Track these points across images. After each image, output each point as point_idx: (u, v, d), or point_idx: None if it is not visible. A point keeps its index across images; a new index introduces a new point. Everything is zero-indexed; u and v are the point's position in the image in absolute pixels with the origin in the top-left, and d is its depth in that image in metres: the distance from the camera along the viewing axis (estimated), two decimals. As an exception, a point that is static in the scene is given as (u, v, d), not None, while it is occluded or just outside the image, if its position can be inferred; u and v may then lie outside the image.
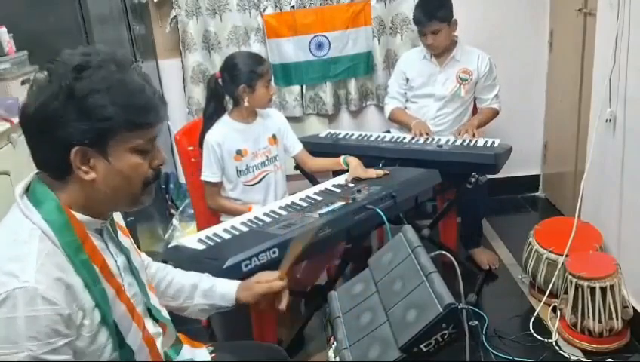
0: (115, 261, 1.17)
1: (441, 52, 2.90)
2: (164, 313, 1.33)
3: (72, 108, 1.01)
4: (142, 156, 1.10)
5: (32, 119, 1.04)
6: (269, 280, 1.44)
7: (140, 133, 1.08)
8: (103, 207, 1.13)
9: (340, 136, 2.93)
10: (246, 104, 2.29)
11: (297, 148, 2.50)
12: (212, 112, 2.34)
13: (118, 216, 1.27)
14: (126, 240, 1.26)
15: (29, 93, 1.05)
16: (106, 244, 1.16)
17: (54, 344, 0.98)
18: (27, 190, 1.10)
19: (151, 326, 1.24)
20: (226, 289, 1.45)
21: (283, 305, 1.44)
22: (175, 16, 3.30)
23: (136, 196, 1.13)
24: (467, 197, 2.68)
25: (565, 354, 2.26)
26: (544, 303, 2.47)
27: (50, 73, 1.04)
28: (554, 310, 2.44)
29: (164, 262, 1.56)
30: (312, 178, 2.68)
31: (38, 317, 0.96)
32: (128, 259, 1.22)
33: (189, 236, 2.09)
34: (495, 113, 2.99)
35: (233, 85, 2.27)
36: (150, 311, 1.26)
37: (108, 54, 1.07)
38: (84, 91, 1.01)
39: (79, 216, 1.09)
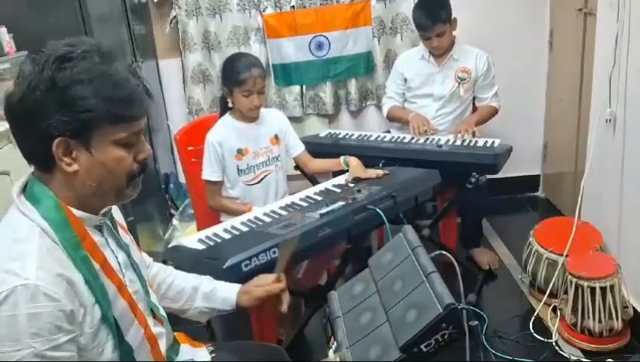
0: (116, 257, 1.17)
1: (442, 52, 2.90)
2: (163, 311, 1.33)
3: (54, 99, 1.00)
4: (126, 149, 1.09)
5: (15, 109, 1.03)
6: (268, 284, 1.44)
7: (124, 125, 1.06)
8: (93, 201, 1.11)
9: (340, 136, 2.93)
10: (230, 105, 2.32)
11: (299, 149, 2.49)
12: (221, 111, 2.41)
13: (117, 214, 1.27)
14: (126, 237, 1.26)
15: (15, 83, 1.04)
16: (107, 241, 1.16)
17: (57, 340, 0.98)
18: (24, 189, 1.09)
19: (152, 325, 1.23)
20: (226, 293, 1.44)
21: (284, 307, 1.44)
22: (175, 16, 3.30)
23: (120, 189, 1.12)
24: (467, 197, 2.68)
25: (565, 354, 2.26)
26: (544, 303, 2.47)
27: (34, 64, 1.02)
28: (554, 310, 2.44)
29: (164, 262, 1.56)
30: (313, 178, 2.68)
31: (40, 314, 0.96)
32: (129, 255, 1.22)
33: (189, 236, 2.09)
34: (494, 111, 2.98)
35: (222, 85, 2.32)
36: (151, 309, 1.25)
37: (93, 45, 1.06)
38: (65, 82, 1.00)
39: (77, 212, 1.08)
